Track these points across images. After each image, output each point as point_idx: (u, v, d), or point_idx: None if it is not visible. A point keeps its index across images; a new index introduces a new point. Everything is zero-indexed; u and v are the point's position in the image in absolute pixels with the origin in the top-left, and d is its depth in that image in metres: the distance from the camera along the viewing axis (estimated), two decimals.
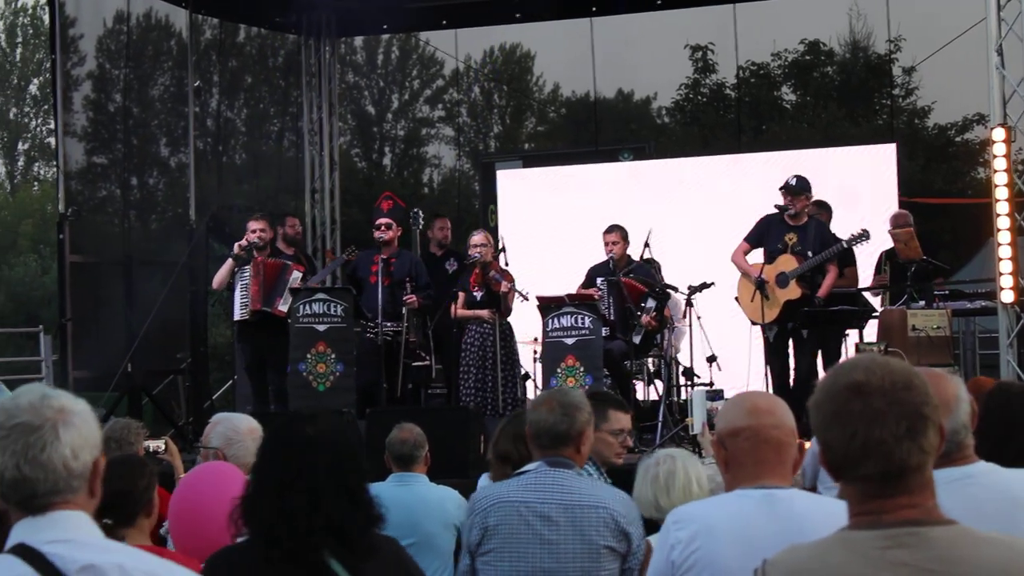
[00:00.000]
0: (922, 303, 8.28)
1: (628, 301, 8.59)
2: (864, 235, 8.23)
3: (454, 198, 18.36)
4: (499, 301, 8.62)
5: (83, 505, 1.94)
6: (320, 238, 12.48)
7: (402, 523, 4.05)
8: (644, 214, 10.20)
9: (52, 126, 18.40)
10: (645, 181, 12.16)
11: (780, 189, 8.39)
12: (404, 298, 8.68)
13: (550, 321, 8.29)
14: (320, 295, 8.52)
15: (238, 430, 3.99)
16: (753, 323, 8.49)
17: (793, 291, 8.21)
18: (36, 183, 32.00)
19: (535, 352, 9.28)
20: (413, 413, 7.65)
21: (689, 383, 9.08)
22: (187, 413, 10.30)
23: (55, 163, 12.06)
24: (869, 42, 18.37)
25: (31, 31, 32.86)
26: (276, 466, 2.57)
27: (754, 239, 8.49)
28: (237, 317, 8.85)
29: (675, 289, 8.91)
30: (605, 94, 18.10)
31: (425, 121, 22.76)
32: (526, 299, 8.54)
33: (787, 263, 8.26)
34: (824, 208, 9.14)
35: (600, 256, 8.93)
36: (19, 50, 33.23)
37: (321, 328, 8.43)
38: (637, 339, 8.61)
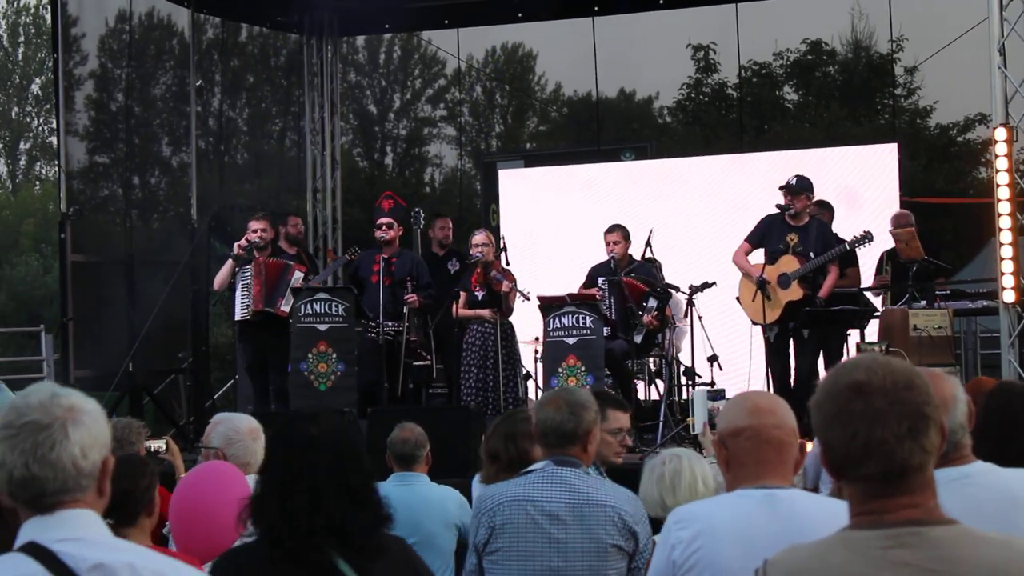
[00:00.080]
0: (923, 303, 8.28)
1: (629, 301, 8.58)
2: (867, 237, 8.22)
3: (456, 198, 18.32)
4: (500, 301, 8.62)
5: (92, 504, 1.94)
6: (322, 238, 12.48)
7: (403, 523, 4.00)
8: (646, 214, 10.21)
9: (54, 125, 18.45)
10: (647, 181, 12.14)
11: (781, 189, 8.38)
12: (405, 298, 8.69)
13: (551, 321, 8.29)
14: (321, 295, 8.51)
15: (238, 430, 4.00)
16: (754, 323, 8.49)
17: (795, 292, 8.20)
18: (38, 182, 32.03)
19: (536, 352, 9.27)
20: (414, 413, 7.65)
21: (690, 383, 9.07)
22: (188, 413, 10.29)
23: (57, 162, 12.06)
24: (871, 42, 18.35)
25: (33, 30, 32.89)
26: (278, 466, 2.58)
27: (755, 239, 8.48)
28: (238, 317, 8.84)
29: (676, 289, 8.90)
30: (607, 94, 18.10)
31: (427, 120, 22.72)
32: (527, 299, 8.54)
33: (789, 264, 8.25)
34: (826, 208, 9.13)
35: (601, 256, 8.93)
36: (21, 49, 33.26)
37: (322, 328, 8.43)
38: (638, 339, 8.61)
